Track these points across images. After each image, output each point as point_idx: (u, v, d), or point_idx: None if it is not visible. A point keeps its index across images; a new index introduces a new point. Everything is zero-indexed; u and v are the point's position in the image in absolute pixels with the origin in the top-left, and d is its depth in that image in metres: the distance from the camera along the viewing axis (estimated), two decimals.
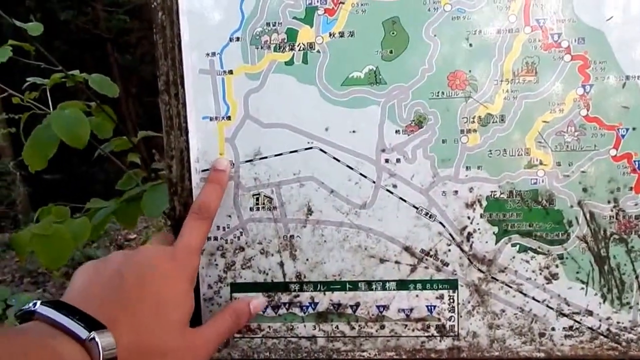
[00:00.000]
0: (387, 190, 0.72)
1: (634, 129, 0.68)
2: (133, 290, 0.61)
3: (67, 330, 0.53)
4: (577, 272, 0.71)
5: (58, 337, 0.53)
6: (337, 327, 0.75)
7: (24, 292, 3.85)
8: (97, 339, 0.52)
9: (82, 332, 0.53)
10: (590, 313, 0.71)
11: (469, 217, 0.71)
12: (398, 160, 0.71)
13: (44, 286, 4.35)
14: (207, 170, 0.72)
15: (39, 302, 0.56)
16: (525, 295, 0.72)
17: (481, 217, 0.71)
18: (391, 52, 0.69)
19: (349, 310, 0.74)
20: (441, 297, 0.73)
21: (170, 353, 0.61)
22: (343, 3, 0.69)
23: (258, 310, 0.73)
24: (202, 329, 0.66)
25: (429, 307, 0.73)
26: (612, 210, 0.70)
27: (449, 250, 0.72)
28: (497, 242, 0.71)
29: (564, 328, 0.72)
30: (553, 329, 0.72)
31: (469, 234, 0.71)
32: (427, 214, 0.71)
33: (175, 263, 0.65)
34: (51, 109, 1.28)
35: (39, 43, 1.32)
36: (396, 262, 0.73)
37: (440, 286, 0.73)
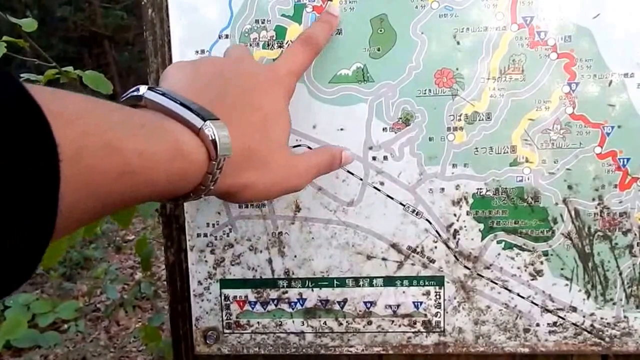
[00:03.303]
0: (375, 188, 0.72)
1: (619, 127, 0.68)
2: (240, 97, 0.58)
3: (179, 118, 0.50)
4: (562, 269, 0.71)
5: (172, 123, 0.49)
6: (325, 323, 0.75)
7: (22, 293, 3.85)
8: (213, 129, 0.50)
9: (197, 121, 0.50)
10: (574, 309, 0.72)
11: (455, 215, 0.72)
12: (385, 158, 0.71)
13: (42, 287, 4.35)
14: None
15: (145, 87, 0.52)
16: (510, 291, 0.72)
17: (467, 214, 0.72)
18: (379, 49, 0.70)
19: (337, 307, 0.75)
20: (427, 293, 0.74)
21: (277, 168, 0.59)
22: (331, 0, 0.70)
23: (348, 161, 0.70)
24: (303, 156, 0.65)
25: (416, 304, 0.74)
26: (596, 208, 0.70)
27: (436, 247, 0.73)
28: (482, 239, 0.72)
29: (548, 324, 0.73)
30: (537, 324, 0.73)
31: (455, 231, 0.72)
32: (413, 211, 0.72)
33: (277, 80, 0.62)
34: None
35: (35, 40, 1.33)
36: (383, 258, 0.73)
37: (426, 283, 0.73)
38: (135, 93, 0.52)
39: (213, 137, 0.50)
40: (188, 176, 0.50)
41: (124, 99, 0.53)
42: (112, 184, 0.42)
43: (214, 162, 0.50)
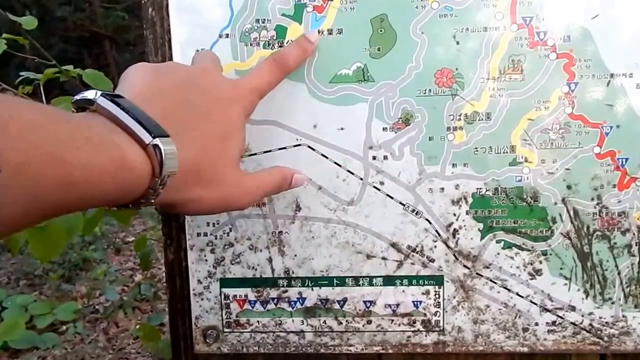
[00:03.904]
0: (374, 187, 0.72)
1: (617, 126, 0.69)
2: (196, 110, 0.58)
3: (129, 131, 0.49)
4: (561, 268, 0.72)
5: (119, 135, 0.49)
6: (324, 322, 0.76)
7: (20, 294, 3.85)
8: (160, 146, 0.49)
9: (146, 137, 0.49)
10: (573, 308, 0.72)
11: (454, 214, 0.72)
12: (385, 158, 0.72)
13: (41, 288, 4.35)
14: None
15: (99, 92, 0.51)
16: (509, 290, 0.73)
17: (467, 213, 0.72)
18: (379, 49, 0.70)
19: (337, 306, 0.75)
20: (427, 292, 0.74)
21: (225, 185, 0.59)
22: (332, 0, 0.70)
23: (298, 184, 0.70)
24: (253, 175, 0.65)
25: (415, 303, 0.74)
26: (595, 207, 0.70)
27: (435, 246, 0.73)
28: (482, 238, 0.72)
29: (547, 323, 0.73)
30: (536, 324, 0.73)
31: (455, 231, 0.72)
32: (413, 210, 0.72)
33: (238, 97, 0.63)
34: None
35: (35, 40, 1.33)
36: (383, 258, 0.74)
37: (426, 282, 0.74)
38: (86, 97, 0.51)
39: (159, 155, 0.49)
40: (130, 189, 0.50)
41: (75, 100, 0.53)
42: (54, 194, 0.43)
43: (157, 179, 0.50)
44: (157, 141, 0.49)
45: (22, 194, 0.40)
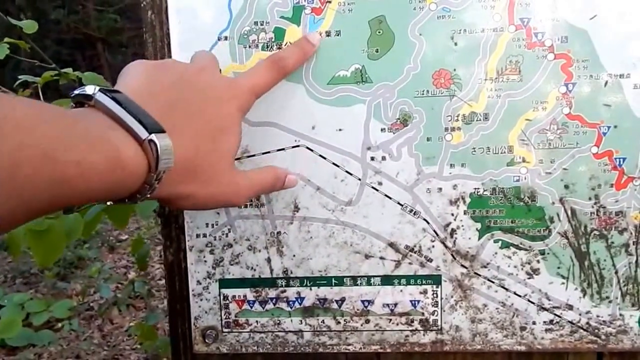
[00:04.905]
0: (373, 188, 0.73)
1: (615, 126, 0.69)
2: (192, 107, 0.58)
3: (125, 127, 0.50)
4: (558, 268, 0.72)
5: (116, 131, 0.49)
6: (323, 321, 0.76)
7: (17, 292, 3.85)
8: (156, 142, 0.50)
9: (142, 132, 0.50)
10: (570, 307, 0.73)
11: (452, 214, 0.72)
12: (383, 158, 0.72)
13: (37, 286, 4.35)
14: None
15: (97, 88, 0.52)
16: (507, 290, 0.73)
17: (464, 213, 0.72)
18: (377, 51, 0.70)
19: (335, 305, 0.76)
20: (425, 292, 0.74)
21: (219, 183, 0.60)
22: (330, 2, 0.70)
23: (291, 185, 0.71)
24: (246, 173, 0.66)
25: (413, 302, 0.74)
26: (592, 207, 0.71)
27: (433, 246, 0.73)
28: (480, 238, 0.72)
29: (544, 322, 0.73)
30: (534, 322, 0.73)
31: (453, 230, 0.72)
32: (411, 210, 0.73)
33: (234, 96, 0.63)
34: None
35: (31, 42, 1.33)
36: (381, 257, 0.74)
37: (424, 281, 0.74)
38: (85, 92, 0.52)
39: (155, 151, 0.50)
40: (125, 185, 0.51)
41: (74, 95, 0.53)
42: (46, 192, 0.43)
43: (152, 174, 0.51)
44: (153, 137, 0.50)
45: (17, 193, 0.40)
